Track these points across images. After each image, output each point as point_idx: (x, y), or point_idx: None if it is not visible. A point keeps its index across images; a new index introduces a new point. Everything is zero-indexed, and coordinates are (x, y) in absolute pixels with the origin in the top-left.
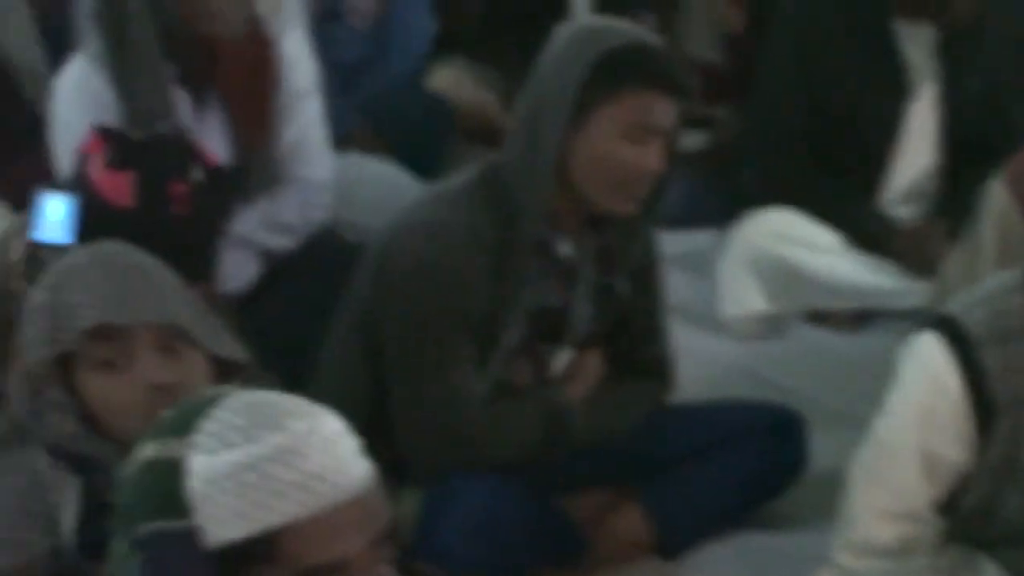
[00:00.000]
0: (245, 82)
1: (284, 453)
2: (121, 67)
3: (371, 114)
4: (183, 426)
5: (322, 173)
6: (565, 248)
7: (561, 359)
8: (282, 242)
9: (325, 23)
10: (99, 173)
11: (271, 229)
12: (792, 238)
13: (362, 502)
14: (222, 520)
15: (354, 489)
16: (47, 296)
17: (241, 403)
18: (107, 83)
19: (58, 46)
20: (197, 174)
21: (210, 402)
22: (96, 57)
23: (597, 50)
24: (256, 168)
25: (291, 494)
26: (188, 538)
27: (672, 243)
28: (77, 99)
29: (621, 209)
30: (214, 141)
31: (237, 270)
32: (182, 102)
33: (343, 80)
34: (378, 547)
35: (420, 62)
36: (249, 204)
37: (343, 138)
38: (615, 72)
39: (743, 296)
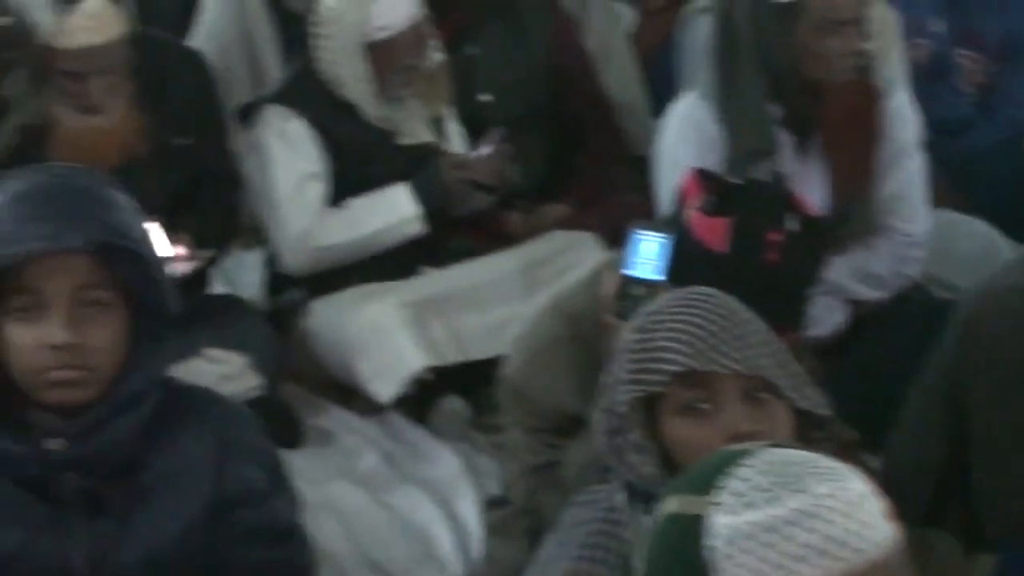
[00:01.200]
0: (849, 129)
1: (805, 516)
2: (728, 105)
3: (967, 169)
4: (705, 483)
5: (920, 228)
6: None
7: None
8: (873, 294)
9: (931, 81)
10: (696, 216)
11: (863, 280)
12: None
13: (884, 567)
14: None
15: (876, 554)
16: (637, 337)
17: (765, 462)
18: (713, 119)
19: (661, 89)
20: (793, 223)
21: (733, 460)
22: (705, 93)
23: None
24: (853, 217)
25: (811, 558)
26: None
27: None
28: (683, 134)
29: None
30: (813, 186)
31: (824, 316)
32: (785, 145)
33: (940, 139)
34: None
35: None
36: (843, 253)
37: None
38: None
39: None
